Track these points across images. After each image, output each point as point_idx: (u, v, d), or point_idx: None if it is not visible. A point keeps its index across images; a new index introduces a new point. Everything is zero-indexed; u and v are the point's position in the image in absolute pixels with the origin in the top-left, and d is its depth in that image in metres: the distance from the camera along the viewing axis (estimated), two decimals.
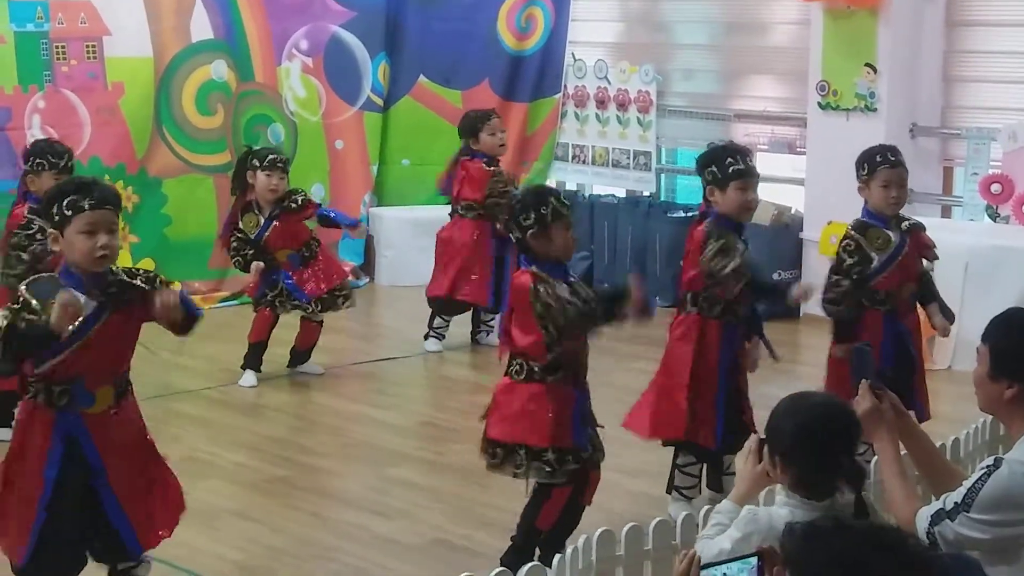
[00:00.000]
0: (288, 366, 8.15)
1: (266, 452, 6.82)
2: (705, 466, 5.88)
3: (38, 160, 6.61)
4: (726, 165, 5.61)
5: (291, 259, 7.87)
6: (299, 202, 7.85)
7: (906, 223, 6.00)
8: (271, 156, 7.81)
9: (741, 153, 5.71)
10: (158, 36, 9.84)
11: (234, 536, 5.69)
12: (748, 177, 5.65)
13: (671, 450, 5.89)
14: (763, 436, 3.61)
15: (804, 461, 3.45)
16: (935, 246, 6.13)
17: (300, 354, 8.17)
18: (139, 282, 4.49)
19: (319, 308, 7.96)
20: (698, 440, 5.71)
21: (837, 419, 3.51)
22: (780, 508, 3.48)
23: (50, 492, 4.44)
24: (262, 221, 7.78)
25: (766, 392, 5.61)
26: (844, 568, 2.58)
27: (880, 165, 5.88)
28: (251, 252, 7.76)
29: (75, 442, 4.46)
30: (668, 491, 5.87)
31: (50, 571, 4.55)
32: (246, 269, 7.83)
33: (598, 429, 5.17)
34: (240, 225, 7.78)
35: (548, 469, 4.95)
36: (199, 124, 10.06)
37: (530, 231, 4.93)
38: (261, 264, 7.74)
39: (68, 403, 4.44)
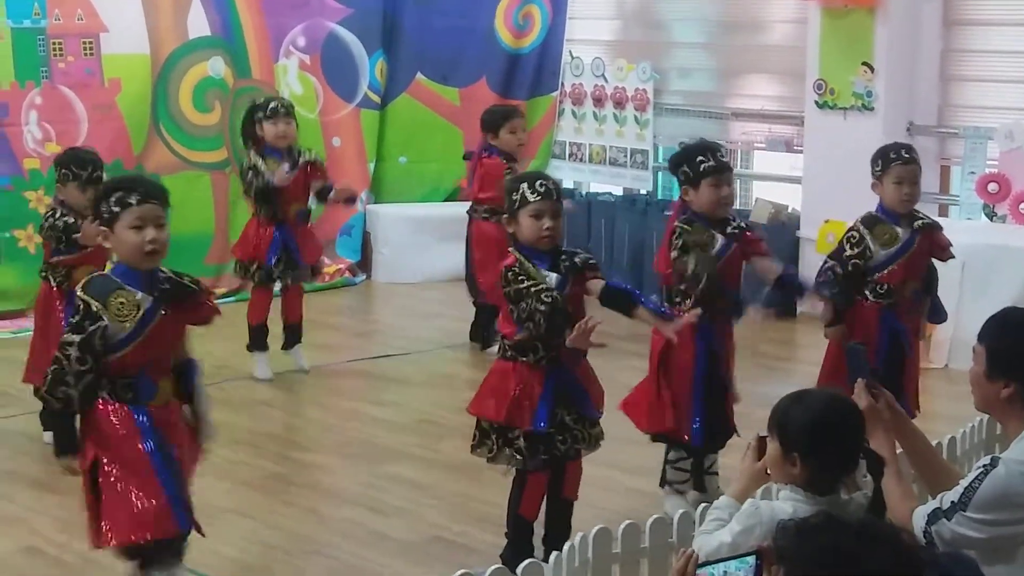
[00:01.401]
0: (283, 348, 8.06)
1: (262, 449, 6.82)
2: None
3: (63, 171, 6.69)
4: (697, 163, 5.62)
5: (299, 215, 7.87)
6: (320, 162, 7.93)
7: (919, 222, 6.00)
8: (273, 104, 7.80)
9: (712, 150, 5.69)
10: (155, 33, 9.84)
11: (230, 533, 5.68)
12: (719, 173, 5.64)
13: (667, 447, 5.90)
14: (764, 434, 3.61)
15: (825, 457, 3.44)
16: (951, 245, 6.12)
17: (294, 328, 8.06)
18: (187, 281, 4.64)
19: (309, 274, 7.99)
20: (679, 434, 5.71)
21: (851, 413, 3.52)
22: (783, 502, 3.49)
23: (159, 458, 4.49)
24: (287, 167, 7.72)
25: (763, 391, 5.64)
26: (837, 562, 2.58)
27: (894, 162, 5.90)
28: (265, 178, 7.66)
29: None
30: (661, 485, 5.89)
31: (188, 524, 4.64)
32: (256, 193, 7.68)
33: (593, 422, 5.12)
34: (260, 163, 7.67)
35: (519, 456, 4.97)
36: (196, 121, 10.06)
37: (505, 215, 4.98)
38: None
39: (133, 396, 4.49)
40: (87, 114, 9.48)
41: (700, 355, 5.66)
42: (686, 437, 5.70)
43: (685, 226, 5.63)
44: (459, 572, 3.93)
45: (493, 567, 3.98)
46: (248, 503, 6.09)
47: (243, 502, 6.09)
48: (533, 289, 4.81)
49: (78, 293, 4.49)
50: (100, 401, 4.50)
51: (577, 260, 4.99)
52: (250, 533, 5.71)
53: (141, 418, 4.50)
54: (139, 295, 4.47)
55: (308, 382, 8.07)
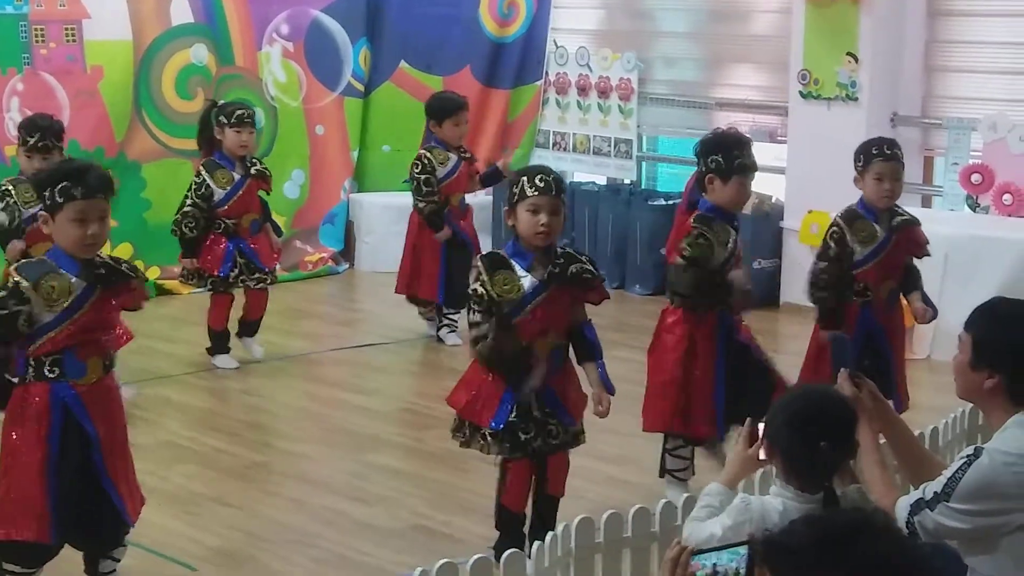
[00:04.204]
0: (236, 334, 8.00)
1: (244, 437, 6.81)
2: (695, 449, 5.85)
3: (19, 134, 6.92)
4: (732, 158, 5.59)
5: (253, 225, 7.82)
6: (268, 172, 7.86)
7: (898, 219, 5.98)
8: (239, 111, 7.72)
9: (747, 145, 5.70)
10: (138, 19, 9.79)
11: (212, 521, 5.67)
12: (750, 172, 5.65)
13: (651, 437, 5.88)
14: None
15: (786, 445, 3.45)
16: (928, 243, 6.10)
17: (251, 324, 8.02)
18: (124, 268, 4.64)
19: (271, 277, 7.95)
20: (696, 433, 5.68)
21: (826, 408, 3.49)
22: (773, 499, 3.48)
23: (55, 459, 4.45)
24: (236, 178, 7.69)
25: None
26: (824, 554, 2.55)
27: (875, 157, 5.88)
28: (197, 229, 7.62)
29: (70, 413, 4.47)
30: (661, 475, 5.84)
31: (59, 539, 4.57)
32: (182, 237, 7.67)
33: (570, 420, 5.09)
34: (210, 183, 7.62)
35: (483, 442, 5.00)
36: (179, 108, 10.01)
37: (505, 207, 4.99)
38: (195, 262, 7.68)
39: (59, 374, 4.46)
40: (69, 101, 9.44)
41: (719, 349, 5.63)
42: (709, 433, 5.66)
43: (704, 228, 5.57)
44: (441, 561, 3.92)
45: (476, 556, 3.97)
46: (229, 491, 6.07)
47: (225, 490, 6.07)
48: (475, 334, 4.86)
49: (11, 272, 4.46)
50: (20, 390, 4.47)
51: (570, 271, 4.95)
52: (231, 521, 5.70)
53: (58, 406, 4.44)
54: (73, 280, 4.44)
55: (290, 371, 8.05)
